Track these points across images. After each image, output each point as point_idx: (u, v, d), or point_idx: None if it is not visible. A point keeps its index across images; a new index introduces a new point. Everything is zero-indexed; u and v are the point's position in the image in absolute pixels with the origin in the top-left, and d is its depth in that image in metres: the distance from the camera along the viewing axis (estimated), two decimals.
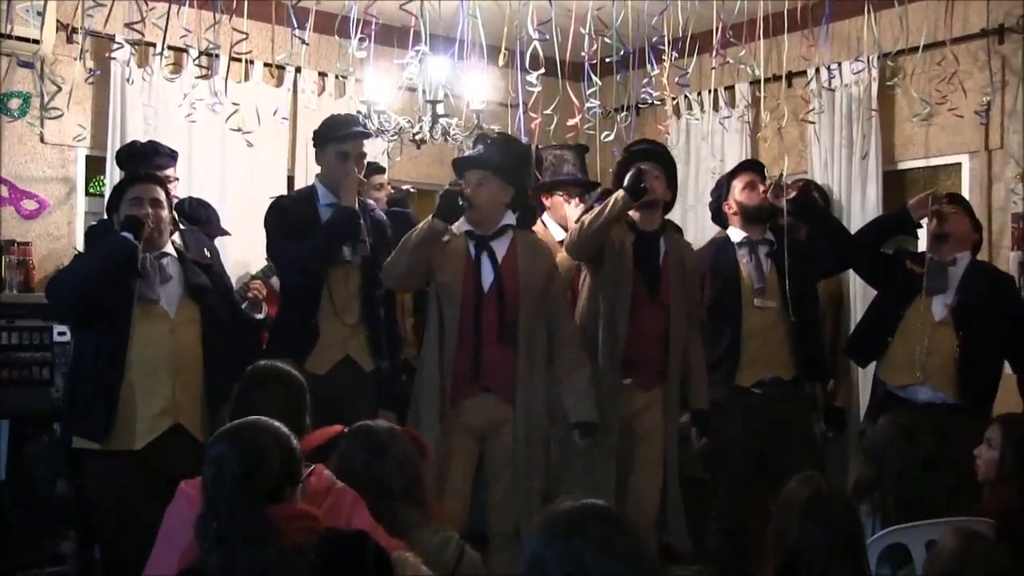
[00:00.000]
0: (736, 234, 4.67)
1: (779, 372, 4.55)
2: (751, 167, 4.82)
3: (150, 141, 4.63)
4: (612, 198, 4.13)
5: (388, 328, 4.34)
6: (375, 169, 4.99)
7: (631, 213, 4.23)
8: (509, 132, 4.48)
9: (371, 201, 4.51)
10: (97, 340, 3.69)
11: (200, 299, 3.82)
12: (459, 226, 4.03)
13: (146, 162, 4.37)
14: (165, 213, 3.83)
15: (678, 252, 4.38)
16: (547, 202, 4.93)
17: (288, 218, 4.15)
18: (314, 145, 4.35)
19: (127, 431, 3.63)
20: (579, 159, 4.97)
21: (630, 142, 4.64)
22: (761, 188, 4.61)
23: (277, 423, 2.31)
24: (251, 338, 4.23)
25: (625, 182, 4.15)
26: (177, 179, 4.69)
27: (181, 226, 4.02)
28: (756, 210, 4.61)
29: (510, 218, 4.13)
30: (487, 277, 4.02)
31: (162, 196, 3.84)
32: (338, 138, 4.21)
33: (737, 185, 4.69)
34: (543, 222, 4.86)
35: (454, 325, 3.98)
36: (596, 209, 4.16)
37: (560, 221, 4.86)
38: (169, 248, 3.85)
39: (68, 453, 3.81)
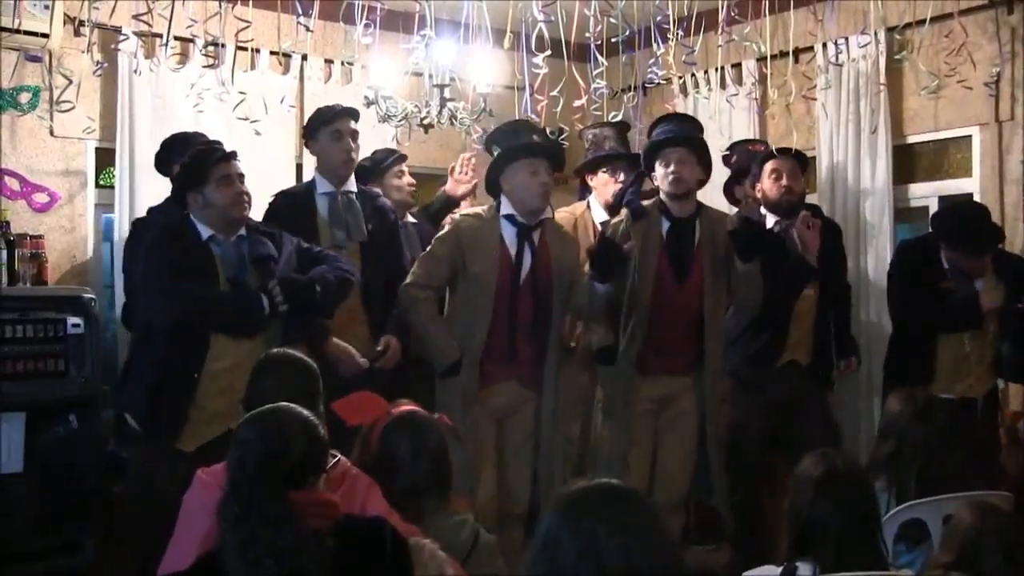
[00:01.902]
0: (768, 219, 4.64)
1: (800, 357, 4.60)
2: (782, 154, 4.73)
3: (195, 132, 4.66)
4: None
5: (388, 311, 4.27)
6: (399, 158, 4.95)
7: (665, 200, 4.22)
8: (516, 115, 4.48)
9: (376, 189, 4.54)
10: (166, 346, 3.70)
11: (264, 268, 3.77)
12: (488, 209, 4.03)
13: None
14: (247, 188, 3.84)
15: (710, 232, 4.25)
16: (591, 182, 4.86)
17: (285, 222, 4.10)
18: (305, 140, 4.42)
19: (178, 433, 3.65)
20: (620, 136, 4.91)
21: (659, 117, 4.56)
22: (784, 180, 4.60)
23: (307, 412, 2.32)
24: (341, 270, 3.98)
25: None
26: None
27: None
28: (774, 204, 4.62)
29: (550, 209, 4.19)
30: (524, 268, 4.03)
31: (242, 170, 3.85)
32: (327, 120, 4.31)
33: (764, 173, 4.68)
34: (588, 204, 4.83)
35: (485, 315, 3.96)
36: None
37: (607, 202, 4.76)
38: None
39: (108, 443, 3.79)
